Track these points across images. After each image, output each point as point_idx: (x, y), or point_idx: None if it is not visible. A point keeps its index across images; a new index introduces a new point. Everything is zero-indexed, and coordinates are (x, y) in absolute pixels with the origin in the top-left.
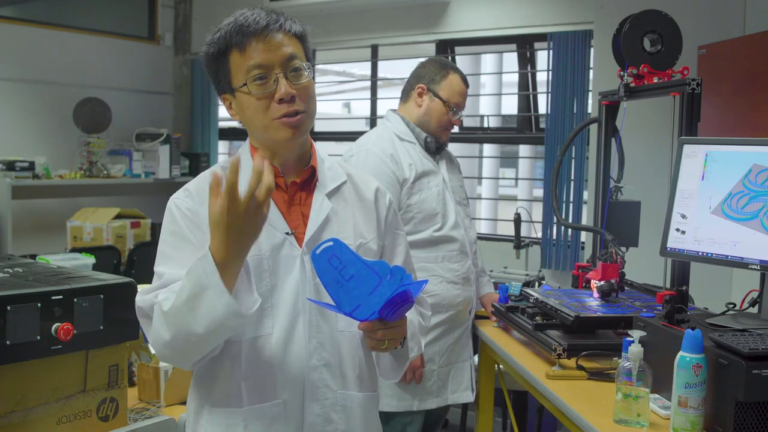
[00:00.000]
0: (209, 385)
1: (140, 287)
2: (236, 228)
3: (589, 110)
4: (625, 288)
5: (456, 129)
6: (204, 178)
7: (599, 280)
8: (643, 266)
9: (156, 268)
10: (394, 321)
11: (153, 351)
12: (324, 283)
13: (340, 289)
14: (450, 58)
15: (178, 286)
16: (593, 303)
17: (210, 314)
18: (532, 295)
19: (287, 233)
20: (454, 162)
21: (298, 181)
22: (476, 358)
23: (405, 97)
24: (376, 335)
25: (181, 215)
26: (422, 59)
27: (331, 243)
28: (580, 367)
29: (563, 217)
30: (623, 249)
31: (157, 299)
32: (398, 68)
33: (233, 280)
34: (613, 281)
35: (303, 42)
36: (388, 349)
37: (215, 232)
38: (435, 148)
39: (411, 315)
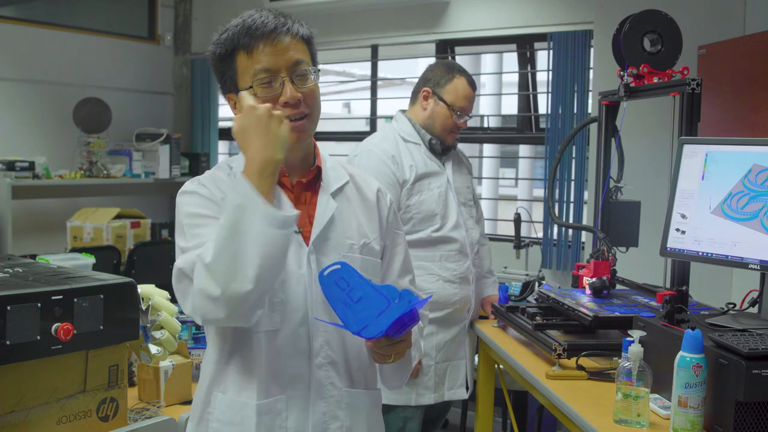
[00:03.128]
0: (223, 374)
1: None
2: (264, 126)
3: (589, 110)
4: (617, 285)
5: None
6: (211, 172)
7: (591, 278)
8: (643, 266)
9: (182, 244)
10: (400, 337)
11: (188, 312)
12: (331, 302)
13: (348, 309)
14: (450, 58)
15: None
16: (584, 300)
17: (256, 234)
18: (549, 296)
19: (295, 231)
20: (463, 163)
21: (303, 181)
22: (476, 357)
23: (413, 98)
24: (383, 351)
25: (199, 196)
26: (422, 59)
27: (338, 266)
28: (580, 367)
29: (563, 216)
30: (622, 249)
31: (198, 253)
32: (398, 68)
33: (270, 195)
34: (604, 278)
35: (309, 45)
36: (394, 361)
37: (245, 145)
38: (441, 149)
39: None
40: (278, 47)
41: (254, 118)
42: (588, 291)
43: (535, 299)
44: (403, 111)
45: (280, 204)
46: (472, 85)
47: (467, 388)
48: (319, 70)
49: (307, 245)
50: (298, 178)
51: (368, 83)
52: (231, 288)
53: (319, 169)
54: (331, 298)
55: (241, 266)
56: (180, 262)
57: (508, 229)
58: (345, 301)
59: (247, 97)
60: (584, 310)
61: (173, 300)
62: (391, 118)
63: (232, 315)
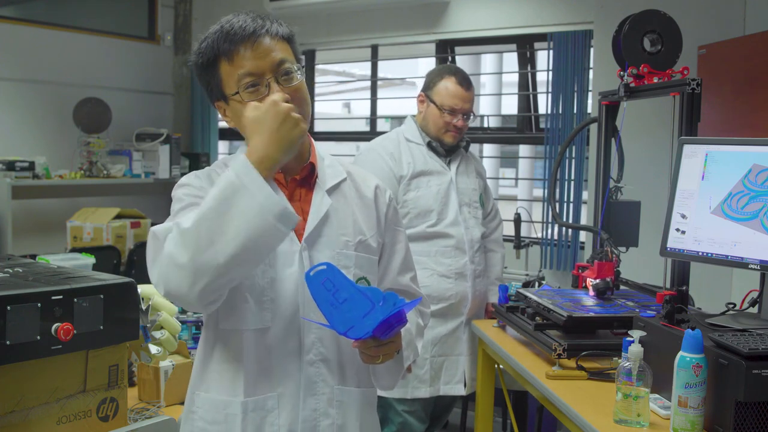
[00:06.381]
0: (209, 374)
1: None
2: (277, 124)
3: (589, 110)
4: (620, 286)
5: None
6: (209, 169)
7: (595, 279)
8: (643, 266)
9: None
10: (387, 339)
11: (154, 281)
12: (318, 303)
13: (334, 310)
14: (450, 58)
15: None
16: (589, 302)
17: (246, 218)
18: (526, 296)
19: None
20: (472, 166)
21: (297, 177)
22: (476, 356)
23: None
24: (371, 352)
25: (194, 187)
26: (422, 59)
27: (324, 267)
28: (580, 367)
29: (563, 216)
30: (622, 249)
31: (176, 222)
32: (398, 68)
33: (268, 179)
34: (608, 279)
35: (291, 43)
36: (382, 362)
37: (252, 135)
38: (445, 150)
39: (410, 318)
40: (259, 50)
41: (272, 114)
42: (591, 292)
43: (514, 299)
44: (413, 116)
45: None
46: (464, 84)
47: (465, 385)
48: (303, 67)
49: (300, 242)
50: (293, 175)
51: (368, 83)
52: (201, 257)
53: (312, 166)
54: (318, 298)
55: (220, 239)
56: (156, 227)
57: (508, 229)
58: (331, 301)
59: (273, 93)
60: (559, 310)
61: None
62: (390, 118)
63: (194, 287)
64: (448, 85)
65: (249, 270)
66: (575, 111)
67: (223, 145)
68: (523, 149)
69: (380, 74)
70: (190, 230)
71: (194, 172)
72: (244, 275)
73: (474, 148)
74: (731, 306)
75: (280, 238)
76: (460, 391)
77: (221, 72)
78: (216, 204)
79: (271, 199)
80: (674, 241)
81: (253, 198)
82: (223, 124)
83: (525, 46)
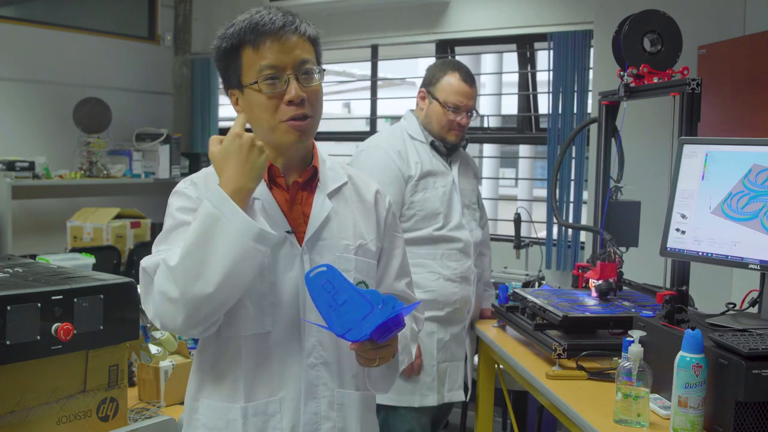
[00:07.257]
0: (209, 380)
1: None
2: (245, 155)
3: (589, 110)
4: (623, 287)
5: None
6: (206, 171)
7: (597, 280)
8: (643, 266)
9: (156, 245)
10: (385, 342)
11: (150, 316)
12: (317, 305)
13: (333, 312)
14: (450, 58)
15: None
16: (586, 302)
17: (227, 243)
18: (523, 296)
19: (288, 232)
20: (470, 167)
21: (300, 180)
22: (476, 358)
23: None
24: (368, 355)
25: (188, 198)
26: (422, 59)
27: (324, 268)
28: (580, 367)
29: (563, 217)
30: (623, 249)
31: (162, 257)
32: (398, 68)
33: (245, 208)
34: (611, 280)
35: (315, 46)
36: (379, 365)
37: (223, 168)
38: (446, 149)
39: (405, 322)
40: (285, 45)
41: (237, 146)
42: (594, 293)
43: (511, 299)
44: (413, 110)
45: (258, 221)
46: (467, 80)
47: (466, 390)
48: (323, 70)
49: (301, 245)
50: (295, 178)
51: (368, 83)
52: (191, 290)
53: (315, 169)
54: (317, 299)
55: (206, 271)
56: (144, 261)
57: (508, 229)
58: (330, 303)
59: (237, 122)
60: (554, 310)
61: None
62: (390, 118)
63: (189, 320)
64: (452, 81)
65: (236, 294)
66: (575, 111)
67: None
68: (524, 149)
69: (380, 74)
70: (177, 267)
71: (192, 177)
72: (232, 299)
73: (474, 148)
74: (731, 306)
75: (260, 258)
76: (460, 397)
77: (243, 59)
78: (197, 238)
79: (248, 224)
80: (674, 241)
81: (231, 225)
82: (223, 124)
83: (525, 46)
